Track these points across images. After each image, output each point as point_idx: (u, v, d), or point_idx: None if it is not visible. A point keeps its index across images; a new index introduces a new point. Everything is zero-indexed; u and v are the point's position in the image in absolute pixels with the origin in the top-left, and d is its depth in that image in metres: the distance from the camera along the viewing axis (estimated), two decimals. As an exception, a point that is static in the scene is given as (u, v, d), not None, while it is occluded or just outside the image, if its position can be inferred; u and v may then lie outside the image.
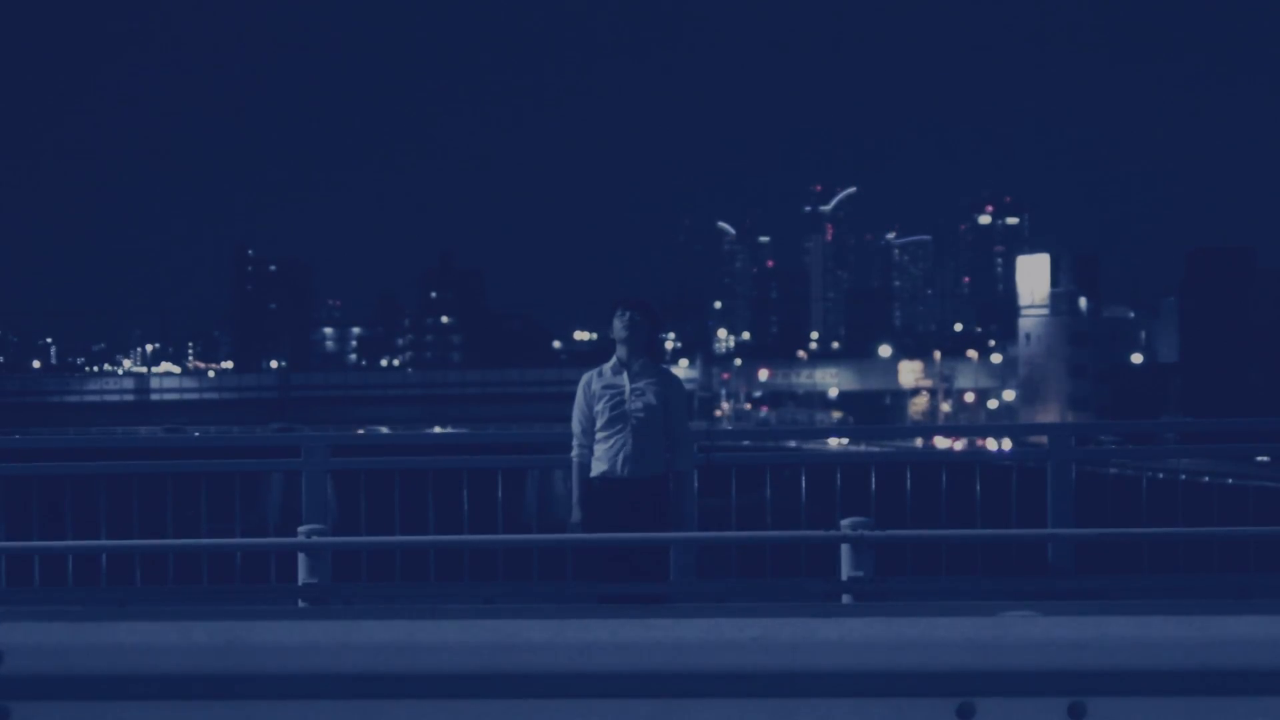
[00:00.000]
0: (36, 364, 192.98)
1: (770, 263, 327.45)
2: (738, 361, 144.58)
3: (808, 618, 4.31)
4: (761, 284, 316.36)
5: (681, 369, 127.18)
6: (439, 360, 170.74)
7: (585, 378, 9.36)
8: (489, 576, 9.84)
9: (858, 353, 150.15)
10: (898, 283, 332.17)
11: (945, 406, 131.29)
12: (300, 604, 8.75)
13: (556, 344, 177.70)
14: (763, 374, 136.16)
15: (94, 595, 9.11)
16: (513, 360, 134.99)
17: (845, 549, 8.81)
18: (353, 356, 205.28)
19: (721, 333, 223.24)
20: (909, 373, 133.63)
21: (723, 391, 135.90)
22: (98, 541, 9.66)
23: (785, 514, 10.52)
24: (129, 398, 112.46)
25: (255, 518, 11.34)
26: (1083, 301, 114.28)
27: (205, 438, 13.16)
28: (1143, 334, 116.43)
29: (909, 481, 10.48)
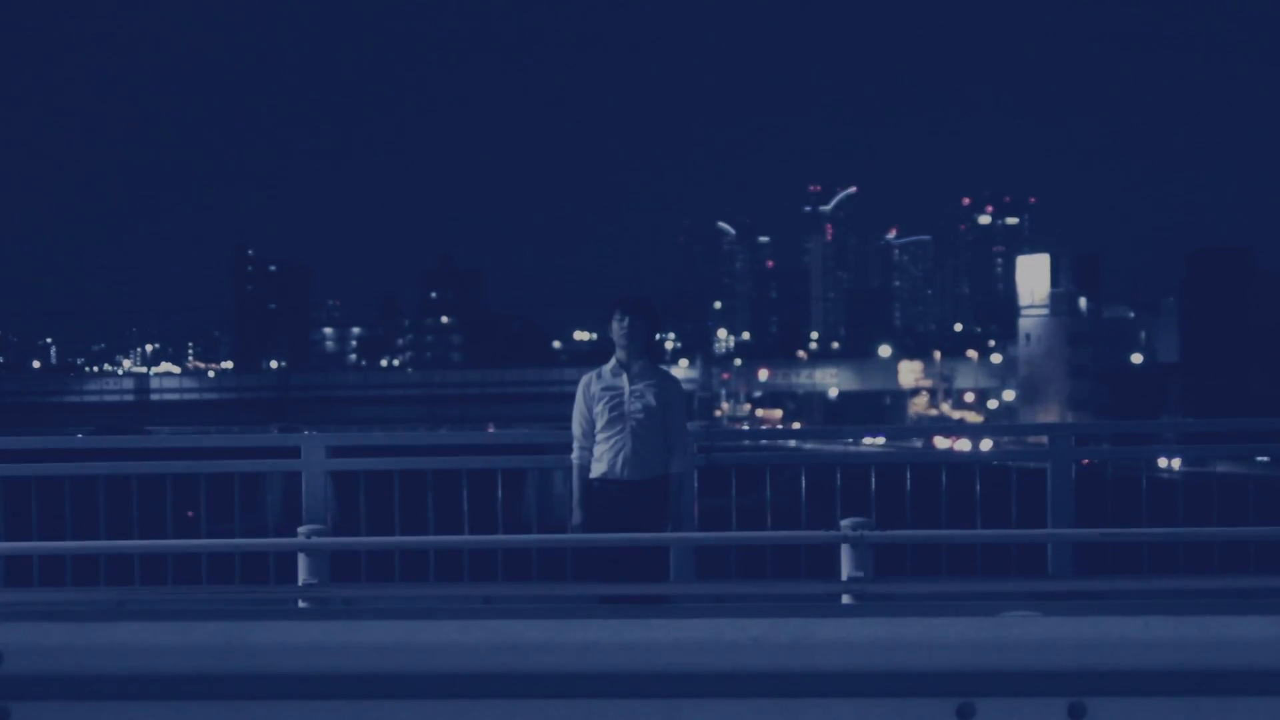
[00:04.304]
0: (36, 364, 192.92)
1: (770, 263, 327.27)
2: (738, 362, 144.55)
3: (808, 618, 4.30)
4: (761, 284, 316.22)
5: (681, 369, 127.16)
6: (439, 360, 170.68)
7: (584, 379, 9.36)
8: (489, 576, 9.84)
9: (858, 353, 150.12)
10: (898, 283, 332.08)
11: (945, 406, 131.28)
12: (300, 604, 8.75)
13: (556, 344, 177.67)
14: (763, 374, 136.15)
15: (94, 595, 9.11)
16: (513, 360, 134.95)
17: (845, 549, 8.81)
18: (353, 356, 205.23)
19: (721, 333, 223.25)
20: (909, 373, 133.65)
21: (723, 391, 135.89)
22: (97, 542, 9.65)
23: (785, 514, 10.52)
24: (129, 398, 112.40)
25: (255, 518, 11.34)
26: (1083, 301, 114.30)
27: (205, 437, 13.15)
28: (1143, 334, 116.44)
29: (909, 481, 10.48)
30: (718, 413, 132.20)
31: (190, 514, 10.54)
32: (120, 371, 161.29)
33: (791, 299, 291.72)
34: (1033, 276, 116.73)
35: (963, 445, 18.99)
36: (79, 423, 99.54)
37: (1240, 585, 9.13)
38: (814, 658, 4.25)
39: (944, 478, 10.54)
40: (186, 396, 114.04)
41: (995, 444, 13.46)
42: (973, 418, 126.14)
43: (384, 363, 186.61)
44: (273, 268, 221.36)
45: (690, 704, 4.25)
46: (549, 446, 10.42)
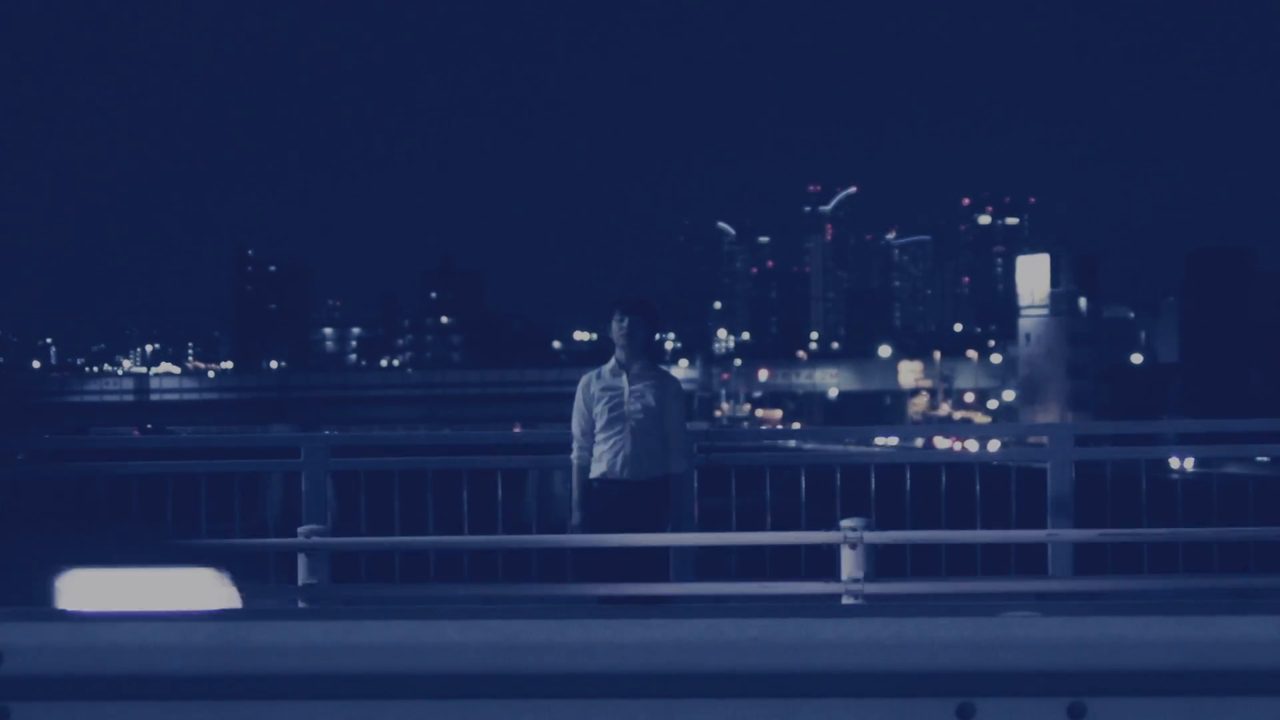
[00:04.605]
0: (36, 364, 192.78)
1: (770, 263, 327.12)
2: (738, 362, 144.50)
3: (808, 618, 4.30)
4: (761, 284, 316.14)
5: (681, 369, 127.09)
6: (439, 360, 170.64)
7: (584, 380, 9.36)
8: (489, 576, 9.84)
9: (858, 353, 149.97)
10: (898, 283, 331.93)
11: (945, 407, 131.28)
12: (300, 604, 8.76)
13: (556, 344, 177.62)
14: (762, 374, 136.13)
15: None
16: (513, 360, 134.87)
17: (845, 549, 8.82)
18: (353, 356, 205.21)
19: (721, 333, 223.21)
20: (909, 373, 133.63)
21: (723, 392, 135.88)
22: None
23: (785, 514, 10.52)
24: (129, 398, 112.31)
25: (255, 518, 11.35)
26: (1083, 301, 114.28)
27: (206, 438, 13.17)
28: (1143, 334, 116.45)
29: (909, 482, 10.48)
30: (718, 413, 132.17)
31: (190, 514, 10.53)
32: (120, 372, 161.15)
33: (791, 299, 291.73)
34: (1033, 276, 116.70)
35: (970, 446, 18.96)
36: (79, 423, 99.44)
37: (1240, 585, 9.14)
38: (814, 658, 4.24)
39: (944, 478, 10.54)
40: (186, 397, 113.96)
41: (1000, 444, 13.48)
42: (980, 419, 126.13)
43: (384, 363, 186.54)
44: (273, 268, 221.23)
45: (690, 704, 4.25)
46: (549, 446, 10.43)
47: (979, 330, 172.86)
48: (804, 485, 10.68)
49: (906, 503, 10.35)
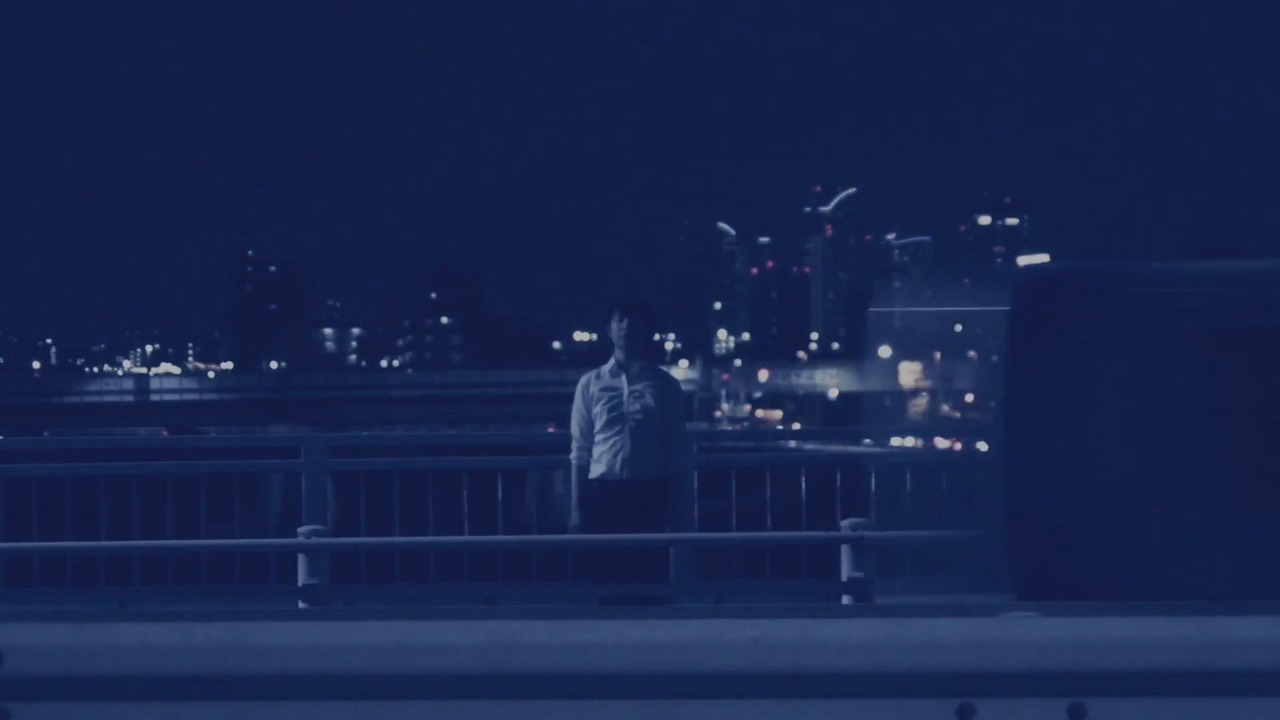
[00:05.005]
0: (36, 364, 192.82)
1: (770, 263, 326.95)
2: (738, 362, 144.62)
3: (807, 618, 4.31)
4: (762, 285, 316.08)
5: (681, 370, 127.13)
6: (439, 360, 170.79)
7: (584, 380, 9.36)
8: (489, 577, 9.85)
9: (858, 353, 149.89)
10: (898, 283, 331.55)
11: (945, 407, 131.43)
12: (300, 605, 8.76)
13: (556, 344, 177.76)
14: (763, 375, 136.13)
15: (94, 596, 9.13)
16: (513, 361, 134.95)
17: (845, 549, 8.82)
18: (353, 357, 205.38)
19: (721, 333, 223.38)
20: (909, 373, 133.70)
21: (723, 392, 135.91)
22: (98, 542, 9.66)
23: (785, 514, 10.51)
24: (129, 398, 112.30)
25: (255, 518, 11.36)
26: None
27: (205, 438, 13.21)
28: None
29: (909, 482, 10.48)
30: (718, 413, 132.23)
31: (190, 514, 10.54)
32: (120, 372, 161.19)
33: (791, 300, 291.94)
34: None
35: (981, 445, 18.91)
36: (79, 424, 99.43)
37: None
38: (814, 658, 4.25)
39: (944, 478, 10.53)
40: (186, 397, 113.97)
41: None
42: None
43: (384, 363, 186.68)
44: (273, 268, 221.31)
45: (690, 704, 4.26)
46: (549, 446, 10.43)
47: (979, 330, 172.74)
48: (804, 485, 10.68)
49: (907, 502, 10.35)
